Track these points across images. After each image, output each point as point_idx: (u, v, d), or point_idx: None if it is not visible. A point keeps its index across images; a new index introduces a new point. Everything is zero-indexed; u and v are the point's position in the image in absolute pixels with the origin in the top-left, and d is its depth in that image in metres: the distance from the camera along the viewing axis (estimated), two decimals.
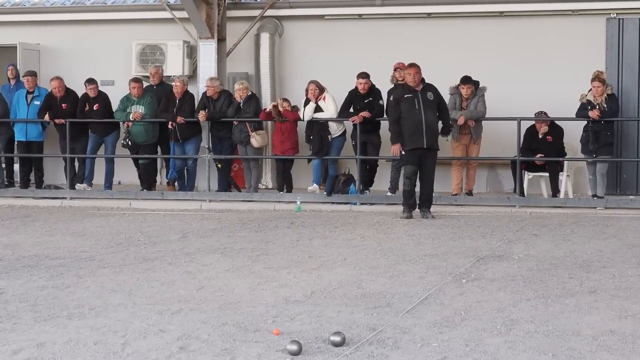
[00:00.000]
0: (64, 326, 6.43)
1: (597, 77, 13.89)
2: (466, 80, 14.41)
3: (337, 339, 5.85)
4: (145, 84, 15.91)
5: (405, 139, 12.84)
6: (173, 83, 15.60)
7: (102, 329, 6.34)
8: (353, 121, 14.41)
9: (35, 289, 7.79)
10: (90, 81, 15.63)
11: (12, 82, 16.58)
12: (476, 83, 14.49)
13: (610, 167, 14.60)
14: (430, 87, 12.94)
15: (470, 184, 14.80)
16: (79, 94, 15.80)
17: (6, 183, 16.29)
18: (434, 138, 12.91)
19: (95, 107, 15.55)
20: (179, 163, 15.69)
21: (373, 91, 14.63)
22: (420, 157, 12.84)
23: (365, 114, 14.34)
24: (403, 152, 12.90)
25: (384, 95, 14.63)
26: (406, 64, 13.29)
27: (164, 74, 16.52)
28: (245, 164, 15.46)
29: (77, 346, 5.87)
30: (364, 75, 14.57)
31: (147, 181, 15.73)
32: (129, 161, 16.06)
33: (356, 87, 14.62)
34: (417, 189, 13.13)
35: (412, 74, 12.82)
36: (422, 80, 12.92)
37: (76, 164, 16.03)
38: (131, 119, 15.25)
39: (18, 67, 16.88)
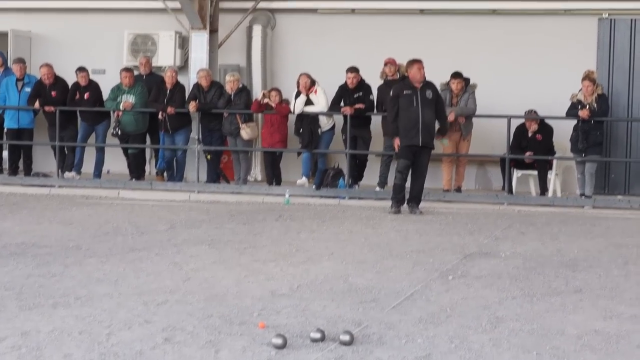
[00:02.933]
0: (49, 315, 6.42)
1: (588, 77, 13.91)
2: (456, 75, 14.42)
3: (317, 335, 5.85)
4: (135, 74, 15.86)
5: (401, 135, 12.86)
6: (164, 73, 15.58)
7: (87, 318, 6.33)
8: (344, 112, 14.40)
9: (21, 277, 7.77)
10: (81, 69, 15.58)
11: (0, 70, 16.49)
12: (467, 80, 14.50)
13: (599, 166, 14.62)
14: (429, 86, 12.96)
15: (459, 180, 14.81)
16: (70, 82, 15.74)
17: None
18: (430, 136, 12.91)
19: (85, 95, 15.51)
20: (168, 154, 15.67)
21: (363, 86, 14.64)
22: (414, 154, 12.86)
23: (359, 105, 14.36)
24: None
25: (375, 91, 14.63)
26: (409, 60, 13.20)
27: (156, 64, 16.49)
28: (235, 155, 15.45)
29: (62, 335, 5.87)
30: (352, 70, 14.58)
31: (136, 171, 15.70)
32: (119, 150, 16.02)
33: (346, 82, 14.62)
34: (407, 184, 13.13)
35: (421, 69, 12.85)
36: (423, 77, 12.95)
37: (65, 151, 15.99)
38: (121, 108, 15.22)
39: (7, 55, 16.82)
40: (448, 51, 15.75)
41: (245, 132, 14.96)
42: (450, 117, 14.17)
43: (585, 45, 15.56)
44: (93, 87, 15.63)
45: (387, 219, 12.32)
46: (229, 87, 15.02)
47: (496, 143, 15.00)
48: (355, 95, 14.54)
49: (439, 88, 14.17)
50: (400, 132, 12.88)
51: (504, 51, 15.87)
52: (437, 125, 13.27)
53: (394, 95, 13.01)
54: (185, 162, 15.57)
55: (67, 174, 15.65)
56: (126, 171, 15.98)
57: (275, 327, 6.16)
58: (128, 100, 15.26)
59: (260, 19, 16.71)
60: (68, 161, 15.82)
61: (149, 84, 15.60)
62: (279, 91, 15.08)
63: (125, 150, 15.85)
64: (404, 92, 12.87)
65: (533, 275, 8.27)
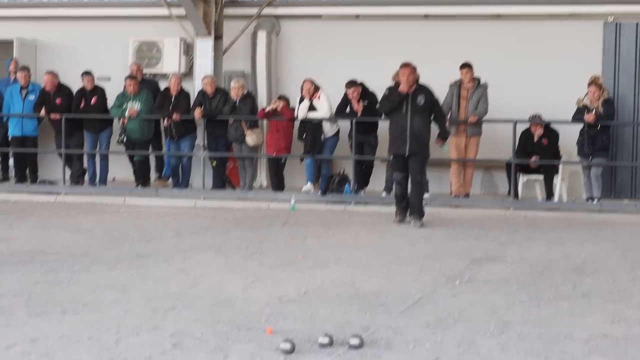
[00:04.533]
0: (58, 321, 6.44)
1: (594, 82, 13.91)
2: (465, 65, 14.27)
3: (325, 340, 5.85)
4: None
5: (389, 143, 12.45)
6: (168, 80, 15.59)
7: (96, 324, 6.34)
8: (356, 110, 14.36)
9: (29, 284, 7.79)
10: (87, 73, 15.58)
11: (13, 76, 16.48)
12: (477, 79, 14.39)
13: (605, 171, 14.61)
14: (422, 90, 12.32)
15: (467, 186, 14.64)
16: (75, 90, 15.75)
17: (1, 178, 16.25)
18: (418, 145, 12.16)
19: (92, 100, 15.50)
20: (173, 161, 15.69)
21: (367, 95, 14.62)
22: (406, 162, 12.29)
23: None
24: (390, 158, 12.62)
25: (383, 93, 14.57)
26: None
27: (161, 71, 16.54)
28: (240, 162, 15.46)
29: (71, 342, 5.88)
30: (350, 85, 14.49)
31: (142, 178, 15.71)
32: (124, 158, 16.04)
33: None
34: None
35: (406, 75, 12.15)
36: (416, 81, 12.39)
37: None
38: (127, 115, 15.23)
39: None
40: (452, 56, 15.68)
41: (251, 138, 14.98)
42: (472, 119, 14.13)
43: (590, 49, 15.54)
44: (99, 92, 15.64)
45: (393, 225, 12.31)
46: (234, 94, 15.03)
47: (502, 148, 14.99)
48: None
49: (448, 87, 14.12)
50: (389, 139, 12.44)
51: (508, 56, 15.86)
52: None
53: (388, 93, 12.40)
54: (190, 169, 15.58)
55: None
56: (132, 178, 15.99)
57: (283, 332, 6.16)
58: (133, 107, 15.28)
59: (265, 25, 16.73)
60: (74, 169, 15.82)
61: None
62: (287, 99, 15.10)
63: (131, 158, 15.87)
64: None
65: (540, 279, 8.27)
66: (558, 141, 14.45)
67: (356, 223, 12.44)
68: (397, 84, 12.58)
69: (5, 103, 15.96)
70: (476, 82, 14.35)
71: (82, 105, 15.56)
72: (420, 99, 12.18)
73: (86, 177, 15.88)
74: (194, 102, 15.26)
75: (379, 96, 14.14)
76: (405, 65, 12.36)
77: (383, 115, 13.14)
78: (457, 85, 14.36)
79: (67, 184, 15.60)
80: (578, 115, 13.94)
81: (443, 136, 12.85)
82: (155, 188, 15.55)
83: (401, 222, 12.46)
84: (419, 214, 12.28)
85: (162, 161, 16.14)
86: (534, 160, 14.27)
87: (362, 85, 14.64)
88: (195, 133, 15.45)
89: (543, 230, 11.87)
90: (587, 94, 13.96)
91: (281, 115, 14.89)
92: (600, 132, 13.92)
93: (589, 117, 13.74)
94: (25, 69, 16.12)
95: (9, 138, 16.13)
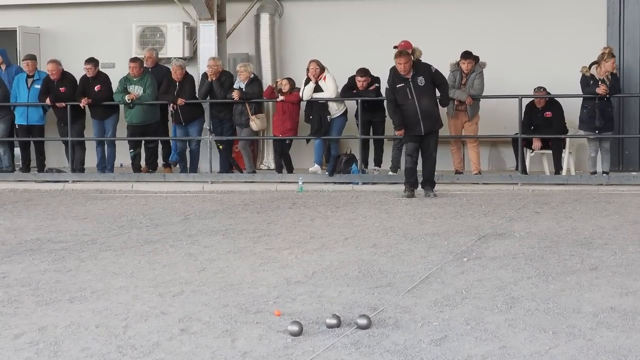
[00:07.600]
0: (66, 310, 6.45)
1: (612, 53, 13.74)
2: (467, 55, 14.27)
3: (333, 321, 5.86)
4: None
5: (404, 127, 12.79)
6: (171, 65, 15.53)
7: (104, 312, 6.36)
8: (360, 88, 14.42)
9: (37, 273, 7.80)
10: (87, 61, 15.42)
11: (3, 67, 16.43)
12: (476, 58, 14.37)
13: (613, 143, 14.55)
14: (421, 70, 12.73)
15: (476, 165, 14.56)
16: (78, 77, 15.68)
17: (10, 168, 16.27)
18: (432, 122, 12.76)
19: (96, 88, 15.42)
20: (180, 145, 15.67)
21: (373, 81, 14.62)
22: (421, 137, 12.81)
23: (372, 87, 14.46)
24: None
25: (387, 74, 14.56)
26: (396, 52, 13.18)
27: (165, 56, 16.51)
28: (241, 145, 15.43)
29: (79, 329, 5.89)
30: (362, 73, 14.50)
31: (150, 163, 15.71)
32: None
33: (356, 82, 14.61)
34: (420, 167, 13.11)
35: (403, 64, 12.62)
36: (412, 64, 12.73)
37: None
38: (127, 100, 15.10)
39: (17, 52, 16.87)
40: (456, 32, 15.72)
41: (255, 123, 14.96)
42: (469, 100, 14.13)
43: (594, 21, 15.48)
44: (102, 79, 15.55)
45: (400, 203, 12.32)
46: (242, 77, 14.95)
47: (508, 123, 14.97)
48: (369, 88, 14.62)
49: (449, 69, 14.12)
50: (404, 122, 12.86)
51: (512, 29, 15.81)
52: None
53: (390, 87, 12.85)
54: (199, 153, 15.55)
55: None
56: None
57: (291, 314, 6.17)
58: (133, 92, 15.14)
59: (268, 7, 16.69)
60: (75, 157, 15.70)
61: (156, 76, 15.56)
62: (290, 80, 15.03)
63: (139, 143, 15.79)
64: (397, 86, 12.73)
65: (548, 254, 8.26)
66: (563, 114, 14.36)
67: (364, 203, 12.44)
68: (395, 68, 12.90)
69: (12, 92, 15.93)
70: (474, 62, 14.29)
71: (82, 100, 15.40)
72: (421, 80, 12.67)
73: (93, 163, 15.85)
74: (200, 87, 15.19)
75: (383, 79, 14.06)
76: (400, 54, 12.76)
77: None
78: (459, 72, 14.29)
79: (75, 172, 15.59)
80: (587, 88, 13.75)
81: (444, 104, 13.47)
82: (162, 173, 15.54)
83: (410, 197, 12.75)
84: (431, 185, 12.93)
85: (169, 148, 16.09)
86: (540, 136, 14.21)
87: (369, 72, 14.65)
88: (202, 117, 15.39)
89: (551, 204, 11.84)
90: (592, 63, 13.80)
91: (284, 99, 14.83)
92: (607, 105, 13.83)
93: (601, 89, 13.58)
94: (31, 57, 16.06)
95: (16, 127, 16.12)
